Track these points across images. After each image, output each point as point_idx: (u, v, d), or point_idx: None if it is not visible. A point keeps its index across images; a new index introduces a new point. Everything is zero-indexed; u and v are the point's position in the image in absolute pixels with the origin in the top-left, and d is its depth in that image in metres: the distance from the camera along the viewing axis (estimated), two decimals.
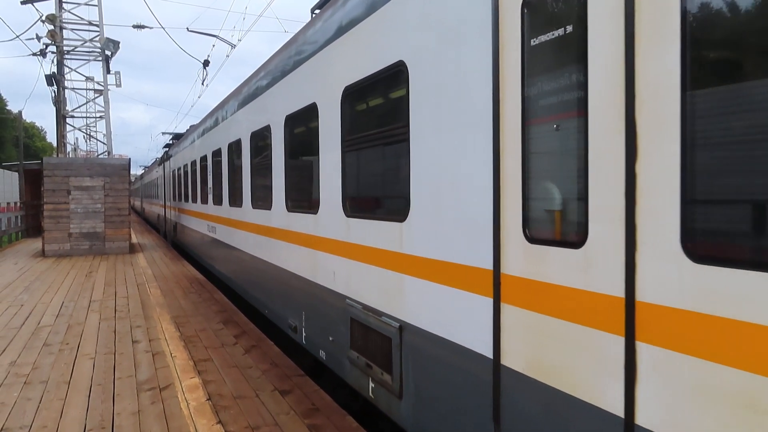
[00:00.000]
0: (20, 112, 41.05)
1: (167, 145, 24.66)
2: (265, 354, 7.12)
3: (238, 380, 6.13)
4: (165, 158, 24.54)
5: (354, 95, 5.07)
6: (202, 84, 25.16)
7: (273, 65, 7.69)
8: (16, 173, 33.85)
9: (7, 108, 75.05)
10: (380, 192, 4.91)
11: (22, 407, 5.44)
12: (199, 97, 30.57)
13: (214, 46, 24.66)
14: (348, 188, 5.15)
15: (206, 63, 24.02)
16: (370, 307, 4.71)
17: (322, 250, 5.74)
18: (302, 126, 6.63)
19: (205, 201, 13.50)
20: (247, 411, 5.28)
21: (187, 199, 17.10)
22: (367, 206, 4.99)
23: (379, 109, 4.94)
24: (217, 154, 11.74)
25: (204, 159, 13.47)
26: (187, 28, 22.92)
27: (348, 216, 5.06)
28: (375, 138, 4.80)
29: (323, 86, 5.66)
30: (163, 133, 33.13)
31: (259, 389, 5.85)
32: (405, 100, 4.11)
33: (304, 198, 6.59)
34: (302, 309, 6.47)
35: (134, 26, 27.98)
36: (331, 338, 5.58)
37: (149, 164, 47.61)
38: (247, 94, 9.12)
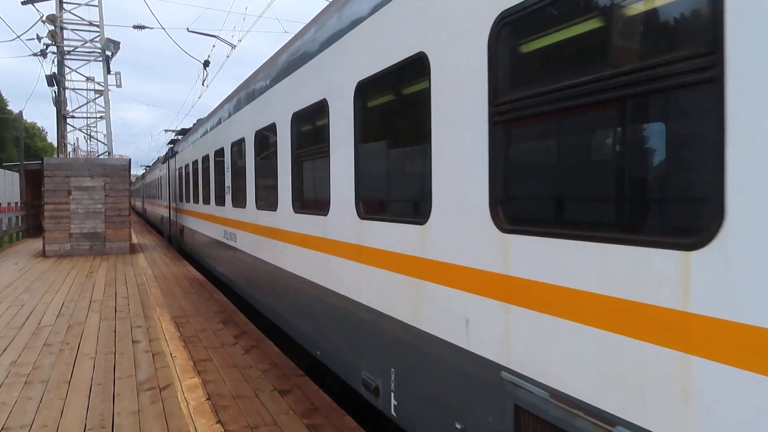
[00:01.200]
0: (21, 113, 41.12)
1: (172, 141, 23.10)
2: (264, 354, 7.14)
3: (237, 380, 6.15)
4: (170, 155, 22.58)
5: (524, 23, 2.98)
6: (203, 84, 25.22)
7: (333, 16, 5.47)
8: (17, 173, 33.91)
9: (8, 108, 75.13)
10: (605, 188, 2.70)
11: (22, 407, 5.46)
12: (199, 97, 30.74)
13: (214, 46, 24.71)
14: (507, 182, 3.13)
15: (206, 63, 24.07)
16: (574, 401, 2.63)
17: (437, 281, 3.73)
18: (392, 94, 4.64)
19: (220, 202, 11.28)
20: (246, 411, 5.30)
21: (196, 200, 14.96)
22: (562, 215, 3.00)
23: (618, 35, 2.59)
24: (237, 146, 9.58)
25: (220, 153, 11.26)
26: (188, 29, 22.98)
27: (505, 231, 3.07)
28: (596, 91, 2.52)
29: (445, 25, 3.58)
30: (166, 131, 32.06)
31: (258, 389, 5.87)
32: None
33: (392, 199, 4.67)
34: (391, 364, 4.39)
35: (134, 27, 28.03)
36: (459, 426, 3.56)
37: (151, 163, 46.39)
38: (287, 63, 6.78)
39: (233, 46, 23.56)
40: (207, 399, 5.59)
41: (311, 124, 6.26)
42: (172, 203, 21.54)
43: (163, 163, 26.68)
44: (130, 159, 20.11)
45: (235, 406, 5.41)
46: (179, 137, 21.10)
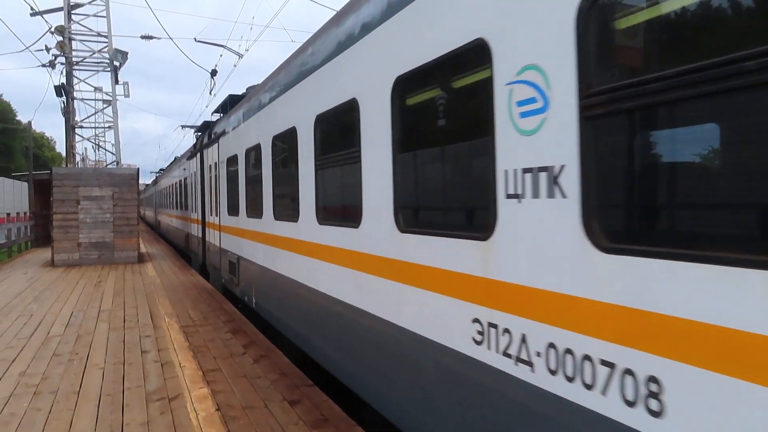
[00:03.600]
0: (30, 123, 41.46)
1: (204, 126, 16.03)
2: (274, 364, 7.09)
3: (247, 390, 6.11)
4: (205, 144, 14.95)
5: None
6: (210, 93, 25.33)
7: None
8: (26, 183, 34.15)
9: (17, 118, 75.85)
10: None
11: (31, 418, 5.44)
12: (206, 106, 30.79)
13: (221, 56, 24.89)
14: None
15: (214, 73, 24.22)
16: None
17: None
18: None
19: (438, 227, 3.92)
20: (256, 421, 5.26)
21: (282, 213, 7.54)
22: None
23: None
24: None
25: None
26: (195, 39, 23.15)
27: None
28: None
29: None
30: (183, 126, 29.12)
31: (268, 399, 5.83)
32: None
33: None
34: None
35: (142, 37, 28.29)
36: None
37: (166, 166, 36.74)
38: None
39: (240, 56, 23.69)
40: (216, 409, 5.55)
41: None
42: (211, 217, 13.81)
43: (189, 158, 18.66)
44: (138, 168, 20.22)
45: (245, 417, 5.37)
46: (218, 115, 14.30)
